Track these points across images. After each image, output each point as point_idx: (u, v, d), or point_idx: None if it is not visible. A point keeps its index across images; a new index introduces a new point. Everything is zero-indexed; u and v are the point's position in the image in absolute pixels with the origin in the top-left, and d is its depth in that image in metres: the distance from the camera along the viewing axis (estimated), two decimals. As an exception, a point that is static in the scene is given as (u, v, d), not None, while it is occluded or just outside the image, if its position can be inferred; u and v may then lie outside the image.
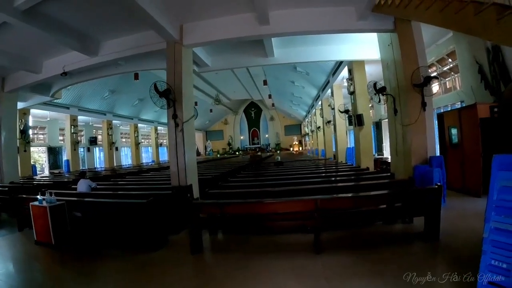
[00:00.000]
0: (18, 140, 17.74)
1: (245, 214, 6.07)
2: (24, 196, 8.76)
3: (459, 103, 12.91)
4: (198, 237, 6.12)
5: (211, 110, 43.44)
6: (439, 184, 6.12)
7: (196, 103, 31.70)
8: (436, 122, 11.27)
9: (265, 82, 27.94)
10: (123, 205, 6.99)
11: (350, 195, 6.60)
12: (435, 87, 10.75)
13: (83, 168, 29.16)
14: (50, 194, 7.06)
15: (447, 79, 14.59)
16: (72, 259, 6.27)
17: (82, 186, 9.60)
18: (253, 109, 57.75)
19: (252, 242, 6.50)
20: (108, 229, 7.24)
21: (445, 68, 14.43)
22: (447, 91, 14.72)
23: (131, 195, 8.26)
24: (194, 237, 6.03)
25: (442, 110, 13.71)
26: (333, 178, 10.21)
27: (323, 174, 11.30)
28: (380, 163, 16.02)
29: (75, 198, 8.01)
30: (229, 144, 57.98)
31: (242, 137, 58.69)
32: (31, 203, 7.06)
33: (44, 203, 6.78)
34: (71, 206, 7.32)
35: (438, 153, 10.54)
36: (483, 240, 3.57)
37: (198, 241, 6.09)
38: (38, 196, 7.04)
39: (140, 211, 6.47)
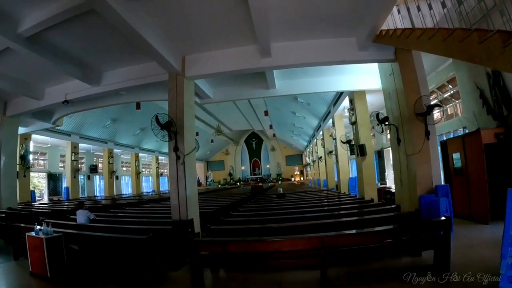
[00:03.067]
0: (18, 165, 17.69)
1: (247, 252, 5.87)
2: (20, 225, 8.64)
3: (462, 129, 12.84)
4: (199, 275, 5.89)
5: (212, 141, 43.61)
6: (447, 216, 5.97)
7: (197, 134, 31.94)
8: (439, 149, 11.15)
9: (266, 113, 28.07)
10: (122, 240, 6.80)
11: (356, 231, 6.39)
12: (437, 114, 10.69)
13: (83, 196, 29.14)
14: (47, 224, 6.90)
15: (448, 106, 14.55)
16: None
17: (81, 217, 9.46)
18: (254, 139, 57.95)
19: (255, 280, 6.27)
20: (105, 263, 7.00)
21: (446, 95, 14.41)
22: (449, 117, 14.67)
23: (130, 229, 8.09)
24: (195, 275, 5.82)
25: (444, 137, 13.61)
26: (336, 212, 9.99)
27: (326, 208, 11.05)
28: (384, 193, 15.83)
29: (73, 231, 7.82)
30: (230, 174, 57.83)
31: (243, 168, 58.64)
32: (27, 234, 6.88)
33: (41, 234, 6.59)
34: (69, 238, 7.11)
35: (443, 182, 10.38)
36: (501, 276, 3.41)
37: (199, 279, 5.86)
38: (35, 226, 6.86)
39: (139, 247, 6.31)
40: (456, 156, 10.59)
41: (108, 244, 6.99)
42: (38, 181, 28.98)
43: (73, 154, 25.90)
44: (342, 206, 11.31)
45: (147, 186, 43.60)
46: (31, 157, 22.47)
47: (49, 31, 8.31)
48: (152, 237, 6.34)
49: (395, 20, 8.58)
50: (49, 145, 27.34)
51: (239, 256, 5.92)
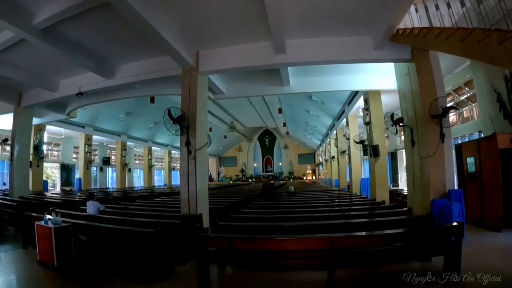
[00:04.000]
0: (31, 155, 17.87)
1: (255, 250, 5.80)
2: (30, 214, 8.64)
3: (477, 133, 12.69)
4: (205, 270, 5.85)
5: (225, 137, 43.56)
6: (459, 221, 5.84)
7: (210, 129, 31.98)
8: (454, 153, 10.98)
9: (280, 111, 27.92)
10: (130, 233, 6.77)
11: (367, 233, 6.30)
12: (452, 117, 10.56)
13: (95, 187, 29.46)
14: (57, 214, 6.92)
15: (464, 109, 14.37)
16: (72, 284, 6.09)
17: (91, 208, 9.54)
18: (267, 136, 57.90)
19: (262, 278, 6.19)
20: (112, 255, 7.02)
21: (462, 98, 14.23)
22: (465, 121, 14.51)
23: (139, 222, 8.07)
24: (201, 271, 5.77)
25: (459, 141, 13.49)
26: (347, 213, 9.87)
27: (337, 208, 10.93)
28: (396, 195, 15.66)
29: (82, 221, 7.85)
30: (242, 171, 57.87)
31: (255, 164, 58.63)
32: (36, 222, 6.94)
33: (50, 224, 6.61)
34: (77, 228, 7.14)
35: (456, 186, 10.20)
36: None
37: (205, 275, 5.82)
38: (44, 216, 6.91)
39: (146, 240, 6.28)
40: (470, 160, 10.40)
41: (116, 236, 6.99)
42: (52, 172, 29.43)
43: (86, 145, 26.21)
44: (353, 207, 11.25)
45: (159, 180, 43.88)
46: (44, 147, 22.77)
47: (63, 24, 8.33)
48: (160, 231, 6.31)
49: (413, 19, 8.41)
50: (63, 136, 27.68)
51: (246, 253, 5.86)
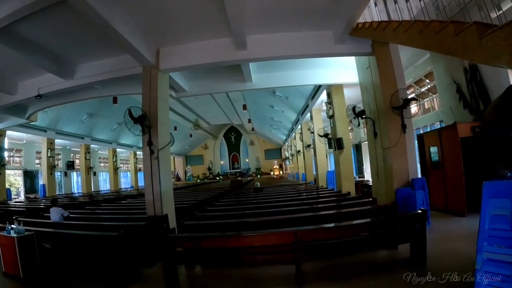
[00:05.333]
0: (-9, 162, 17.35)
1: (221, 248, 5.74)
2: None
3: (438, 123, 13.03)
4: (173, 272, 5.75)
5: (190, 135, 43.32)
6: (423, 208, 5.94)
7: (175, 128, 31.77)
8: (416, 143, 11.21)
9: (244, 107, 27.98)
10: (94, 238, 6.63)
11: (331, 225, 6.28)
12: (414, 108, 10.77)
13: (60, 193, 28.72)
14: (19, 223, 6.72)
15: (425, 100, 14.74)
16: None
17: (54, 215, 9.28)
18: (233, 133, 57.85)
19: (231, 276, 6.16)
20: (79, 262, 6.82)
21: (423, 89, 14.60)
22: (426, 111, 14.86)
23: (104, 226, 7.93)
24: (169, 272, 5.69)
25: (421, 131, 13.77)
26: (314, 206, 9.91)
27: (304, 201, 10.97)
28: (362, 186, 15.94)
29: (45, 229, 7.60)
30: (209, 169, 57.60)
31: (222, 162, 58.46)
32: (-1, 233, 6.69)
33: (12, 233, 6.36)
34: (41, 236, 6.91)
35: (419, 175, 10.42)
36: (476, 271, 3.37)
37: (173, 276, 5.71)
38: (6, 225, 6.65)
39: (111, 244, 6.14)
40: (433, 150, 10.66)
41: (81, 242, 6.81)
42: (14, 179, 28.41)
43: (49, 150, 25.34)
44: (320, 200, 11.30)
45: (125, 182, 43.19)
46: (6, 154, 21.98)
47: (19, 23, 8.02)
48: (124, 234, 6.17)
49: (372, 13, 8.56)
50: (25, 142, 26.69)
51: (213, 252, 5.80)
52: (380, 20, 8.19)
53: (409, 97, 9.13)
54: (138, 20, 8.54)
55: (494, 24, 4.74)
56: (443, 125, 11.63)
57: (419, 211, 5.89)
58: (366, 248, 6.58)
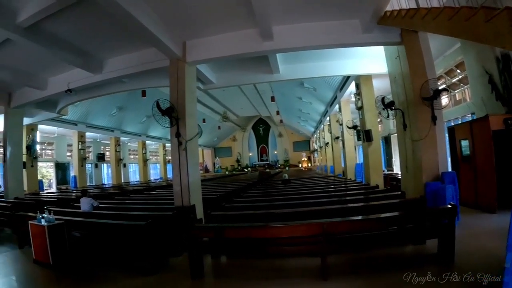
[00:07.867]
0: (24, 155, 17.77)
1: (247, 238, 5.76)
2: (23, 213, 8.60)
3: (470, 115, 12.66)
4: (199, 261, 5.81)
5: (219, 127, 43.62)
6: (453, 203, 5.77)
7: (204, 120, 31.95)
8: (447, 135, 10.94)
9: (272, 99, 27.91)
10: (122, 227, 6.79)
11: (358, 218, 6.20)
12: (445, 99, 10.49)
13: (91, 184, 29.48)
14: (50, 212, 6.93)
15: (456, 91, 14.35)
16: (68, 281, 6.05)
17: (84, 205, 9.47)
18: (261, 125, 57.94)
19: (256, 266, 6.17)
20: (106, 250, 7.01)
21: (454, 80, 14.20)
22: (457, 103, 14.48)
23: (132, 216, 8.09)
24: (194, 262, 5.74)
25: (452, 123, 13.46)
26: (342, 198, 9.84)
27: (332, 193, 10.91)
28: (390, 179, 15.68)
29: (75, 218, 7.84)
30: (237, 160, 57.96)
31: (250, 154, 58.74)
32: (30, 221, 6.90)
33: (43, 222, 6.59)
34: (71, 225, 7.15)
35: (450, 168, 10.17)
36: (505, 270, 3.22)
37: (198, 265, 5.78)
38: (37, 214, 6.86)
39: (138, 233, 6.26)
40: (464, 143, 10.31)
41: (109, 231, 7.01)
42: (47, 171, 29.28)
43: (80, 143, 26.04)
44: (347, 192, 11.19)
45: (154, 173, 43.86)
46: (38, 147, 22.61)
47: (47, 21, 8.24)
48: (151, 224, 6.28)
49: (400, 1, 8.32)
50: (56, 135, 27.46)
51: (239, 242, 5.85)
52: (408, 7, 7.95)
53: (440, 88, 8.87)
54: (163, 13, 8.57)
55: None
56: (475, 117, 11.25)
57: (449, 206, 5.71)
58: (393, 242, 6.47)
